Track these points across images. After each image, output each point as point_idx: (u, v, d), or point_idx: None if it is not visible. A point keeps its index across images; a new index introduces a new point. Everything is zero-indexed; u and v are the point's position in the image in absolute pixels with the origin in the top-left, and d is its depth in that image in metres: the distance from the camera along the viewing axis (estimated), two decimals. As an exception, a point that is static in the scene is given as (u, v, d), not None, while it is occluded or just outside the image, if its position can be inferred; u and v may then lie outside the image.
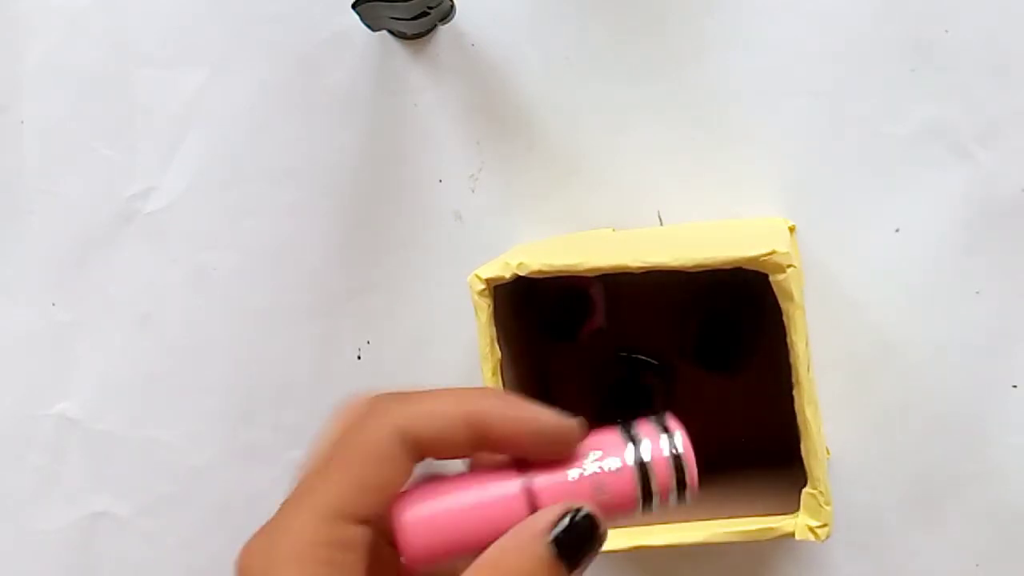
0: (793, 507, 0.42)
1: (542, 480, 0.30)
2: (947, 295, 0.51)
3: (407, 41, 0.55)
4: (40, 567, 0.56)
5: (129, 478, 0.56)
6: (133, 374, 0.56)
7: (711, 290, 0.51)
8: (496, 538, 0.29)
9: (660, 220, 0.54)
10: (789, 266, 0.40)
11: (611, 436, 0.31)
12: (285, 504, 0.31)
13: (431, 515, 0.30)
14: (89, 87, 0.57)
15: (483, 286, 0.43)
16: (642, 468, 0.31)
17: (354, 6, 0.50)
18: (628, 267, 0.42)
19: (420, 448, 0.30)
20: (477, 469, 0.32)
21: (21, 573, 0.56)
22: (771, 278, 0.41)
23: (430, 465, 0.31)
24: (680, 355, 0.53)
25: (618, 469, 0.31)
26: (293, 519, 0.30)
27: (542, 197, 0.55)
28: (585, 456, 0.31)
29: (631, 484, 0.31)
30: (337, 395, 0.56)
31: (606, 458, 0.31)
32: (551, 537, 0.29)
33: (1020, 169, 0.51)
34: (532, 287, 0.46)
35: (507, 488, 0.30)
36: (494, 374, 0.44)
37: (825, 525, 0.42)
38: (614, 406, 0.52)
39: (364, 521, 0.29)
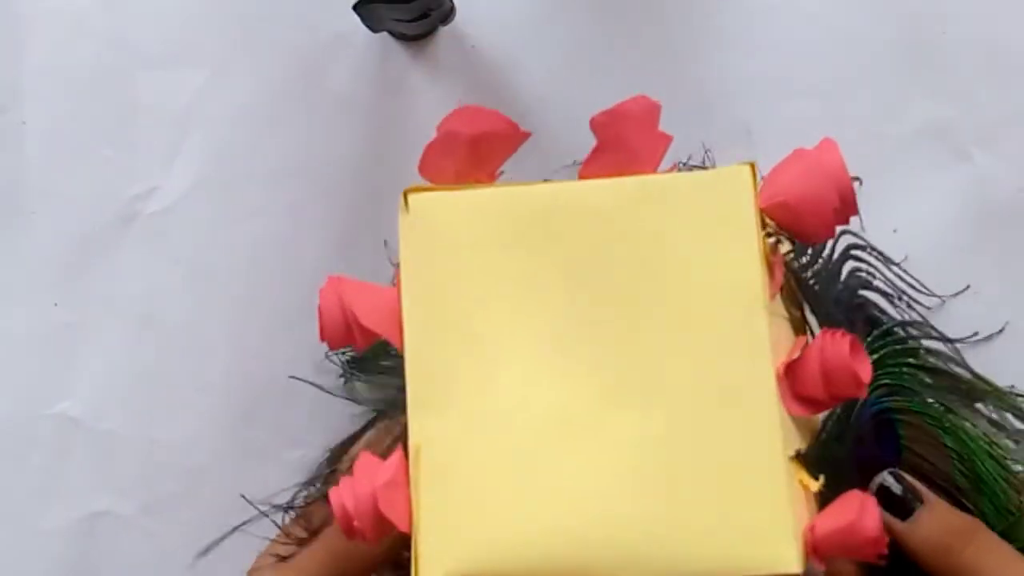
0: None
1: None
2: (945, 296, 0.51)
3: (408, 42, 0.55)
4: (41, 566, 0.56)
5: (130, 477, 0.56)
6: (135, 374, 0.56)
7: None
8: None
9: None
10: None
11: None
12: None
13: None
14: (90, 88, 0.57)
15: None
16: None
17: (355, 7, 0.50)
18: None
19: None
20: None
21: (22, 572, 0.56)
22: None
23: None
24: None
25: None
26: None
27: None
28: None
29: None
30: (336, 395, 0.56)
31: None
32: None
33: (1019, 170, 0.51)
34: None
35: None
36: None
37: None
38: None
39: None
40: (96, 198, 0.57)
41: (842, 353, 0.34)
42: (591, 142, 0.54)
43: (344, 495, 0.34)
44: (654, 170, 0.36)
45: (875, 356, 0.43)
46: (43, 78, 0.57)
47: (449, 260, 0.36)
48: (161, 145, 0.57)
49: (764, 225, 0.35)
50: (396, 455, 0.35)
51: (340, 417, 0.55)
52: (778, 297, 0.37)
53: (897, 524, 0.39)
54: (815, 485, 0.35)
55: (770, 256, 0.35)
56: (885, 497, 0.39)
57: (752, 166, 0.35)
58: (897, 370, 0.44)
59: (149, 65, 0.57)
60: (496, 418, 0.34)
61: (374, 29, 0.54)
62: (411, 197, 0.37)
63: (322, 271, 0.57)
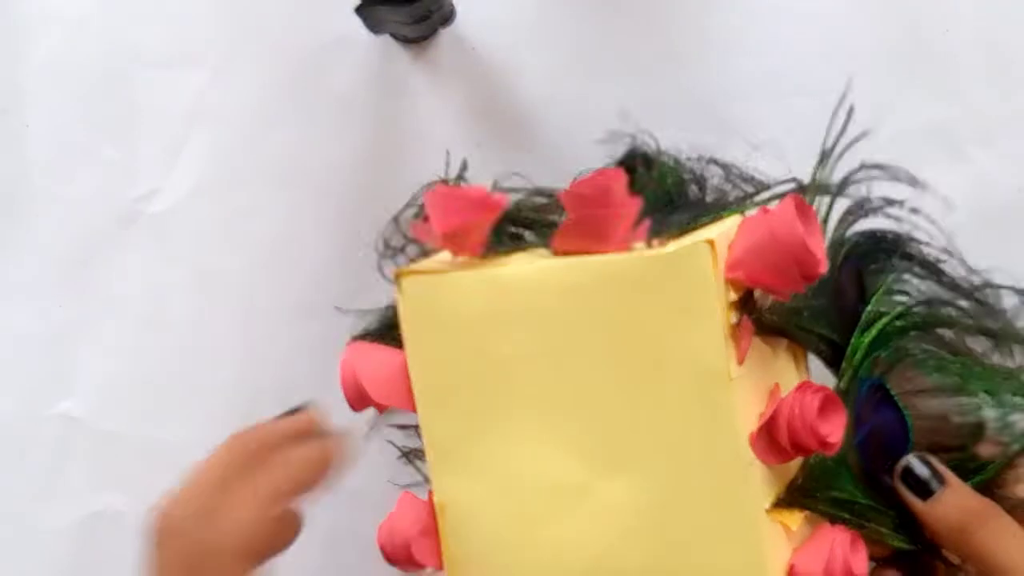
0: None
1: None
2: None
3: (409, 44, 0.56)
4: (43, 565, 0.56)
5: (132, 477, 0.56)
6: (136, 374, 0.56)
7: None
8: None
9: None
10: None
11: None
12: None
13: None
14: (92, 89, 0.57)
15: None
16: None
17: (357, 10, 0.50)
18: None
19: None
20: None
21: (24, 571, 0.56)
22: None
23: None
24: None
25: None
26: None
27: (543, 199, 0.55)
28: None
29: None
30: (338, 394, 0.56)
31: None
32: None
33: (1019, 170, 0.51)
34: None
35: None
36: None
37: None
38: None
39: None
40: (98, 199, 0.57)
41: (808, 416, 0.36)
42: (590, 142, 0.55)
43: (384, 536, 0.40)
44: (623, 241, 0.37)
45: (871, 333, 0.43)
46: (45, 80, 0.57)
47: (446, 336, 0.39)
48: (162, 146, 0.57)
49: (731, 290, 0.36)
50: (428, 505, 0.40)
51: (340, 417, 0.55)
52: (756, 343, 0.38)
53: (918, 503, 0.41)
54: (796, 523, 0.38)
55: (735, 330, 0.36)
56: (909, 477, 0.41)
57: (712, 243, 0.35)
58: (888, 334, 0.44)
59: (150, 66, 0.57)
60: (504, 481, 0.39)
61: (375, 31, 0.54)
62: (404, 280, 0.40)
63: (322, 271, 0.58)
